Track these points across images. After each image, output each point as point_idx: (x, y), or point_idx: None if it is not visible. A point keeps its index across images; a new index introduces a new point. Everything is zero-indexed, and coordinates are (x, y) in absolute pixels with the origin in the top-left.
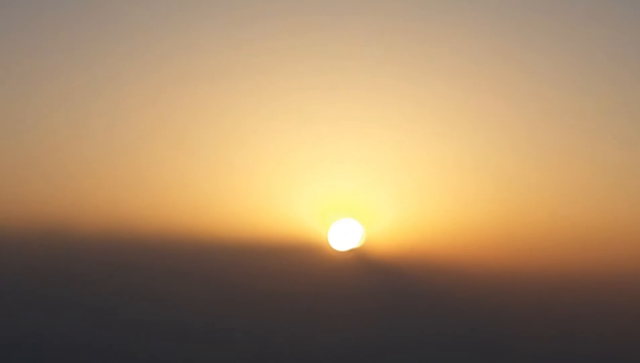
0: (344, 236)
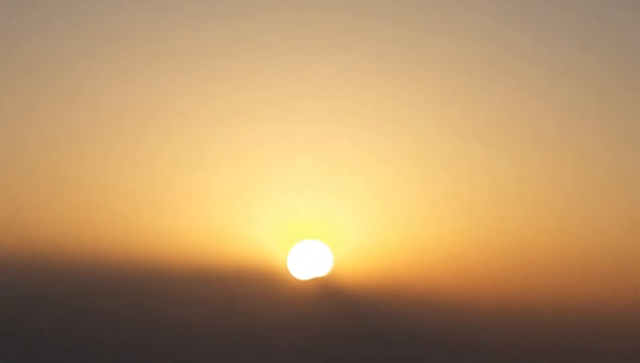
0: (306, 262)
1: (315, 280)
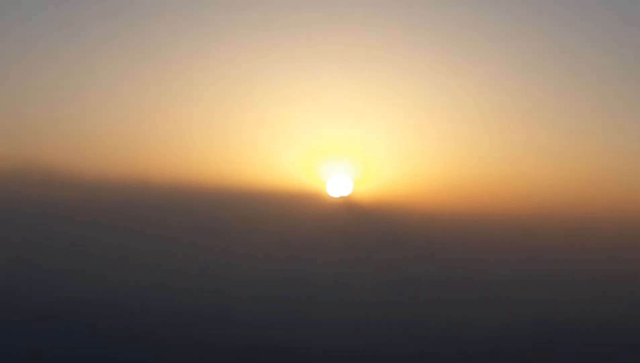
0: (336, 184)
1: (341, 198)
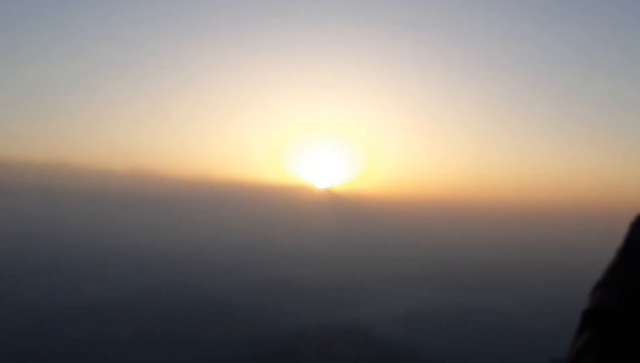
0: (322, 181)
1: (325, 190)
